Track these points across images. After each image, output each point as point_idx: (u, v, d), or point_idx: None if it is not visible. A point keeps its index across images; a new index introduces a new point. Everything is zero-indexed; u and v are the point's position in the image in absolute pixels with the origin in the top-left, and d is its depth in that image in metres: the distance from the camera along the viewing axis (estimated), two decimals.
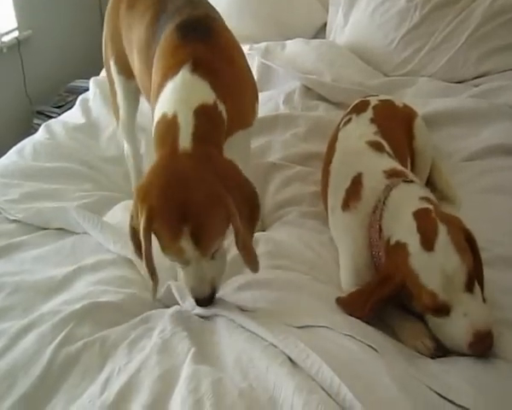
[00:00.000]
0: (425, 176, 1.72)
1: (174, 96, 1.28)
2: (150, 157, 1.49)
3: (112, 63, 1.81)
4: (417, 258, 1.22)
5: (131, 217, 1.26)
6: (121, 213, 1.75)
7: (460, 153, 1.85)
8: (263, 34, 2.63)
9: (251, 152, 1.68)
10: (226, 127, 1.32)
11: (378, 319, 1.29)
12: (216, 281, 1.29)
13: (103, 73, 2.33)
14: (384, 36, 2.36)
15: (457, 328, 1.19)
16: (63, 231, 1.70)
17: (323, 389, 1.03)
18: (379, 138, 1.56)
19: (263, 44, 2.53)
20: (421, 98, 2.05)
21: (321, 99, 2.20)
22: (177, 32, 1.39)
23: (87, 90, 2.47)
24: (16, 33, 3.22)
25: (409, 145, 1.69)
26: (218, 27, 1.46)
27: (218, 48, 1.39)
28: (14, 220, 1.72)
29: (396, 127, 1.66)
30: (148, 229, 1.19)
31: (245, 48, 2.46)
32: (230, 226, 1.23)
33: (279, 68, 2.33)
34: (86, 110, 2.31)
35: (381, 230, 1.33)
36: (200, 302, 1.28)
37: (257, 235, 1.60)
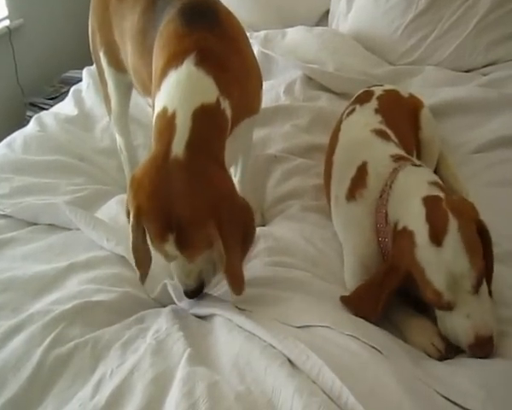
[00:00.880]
0: (432, 169, 1.70)
1: (176, 90, 1.27)
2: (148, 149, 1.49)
3: (101, 54, 1.78)
4: (424, 251, 1.19)
5: (127, 200, 1.27)
6: (116, 208, 1.74)
7: (468, 145, 1.83)
8: (263, 22, 2.61)
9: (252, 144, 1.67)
10: (232, 118, 1.31)
11: (383, 317, 1.27)
12: (204, 274, 1.30)
13: None
14: (389, 23, 2.33)
15: (459, 326, 1.18)
16: (54, 227, 1.68)
17: (324, 392, 1.01)
18: (384, 127, 1.54)
19: (262, 33, 2.51)
20: (428, 88, 2.03)
21: (323, 89, 2.17)
22: (180, 17, 1.36)
23: (82, 80, 2.45)
24: (7, 22, 3.20)
25: (415, 137, 1.68)
26: (222, 11, 1.43)
27: (225, 36, 1.37)
28: (4, 215, 1.70)
29: (402, 118, 1.65)
30: (137, 225, 1.23)
31: None
32: None
33: (279, 58, 2.31)
34: (79, 101, 2.29)
35: (387, 215, 1.31)
36: (188, 294, 1.31)
37: (257, 230, 1.57)
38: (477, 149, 1.80)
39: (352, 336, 1.16)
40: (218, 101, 1.26)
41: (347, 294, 1.37)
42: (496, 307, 1.24)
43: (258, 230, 1.59)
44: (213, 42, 1.32)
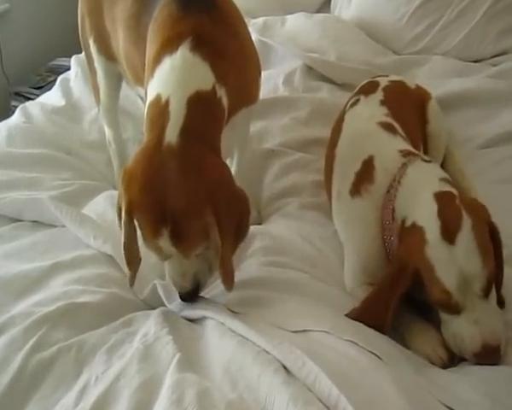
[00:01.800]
0: (438, 163, 1.69)
1: (170, 77, 1.26)
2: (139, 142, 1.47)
3: (91, 42, 1.77)
4: (435, 249, 1.18)
5: (118, 196, 1.26)
6: (103, 205, 1.73)
7: (476, 139, 1.82)
8: (262, 8, 2.60)
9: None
10: (229, 107, 1.30)
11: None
12: (200, 275, 1.29)
13: None
14: (394, 10, 2.32)
15: (466, 332, 1.17)
16: (39, 224, 1.67)
17: (321, 401, 1.00)
18: (390, 120, 1.53)
19: (261, 19, 2.49)
20: (435, 79, 2.02)
21: (324, 80, 2.16)
22: (176, 1, 1.35)
23: (70, 69, 2.43)
24: None
25: (422, 130, 1.67)
26: None
27: (222, 20, 1.36)
28: None
29: (408, 110, 1.64)
30: (129, 221, 1.22)
31: None
32: None
33: (278, 46, 2.30)
34: (67, 91, 2.28)
35: (394, 211, 1.30)
36: (183, 297, 1.30)
37: (252, 229, 1.57)
38: (485, 143, 1.79)
39: (350, 341, 1.16)
40: (213, 88, 1.26)
41: (348, 297, 1.37)
42: (505, 311, 1.24)
43: (254, 228, 1.59)
44: (210, 27, 1.31)
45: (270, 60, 2.29)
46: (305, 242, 1.54)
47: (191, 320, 1.31)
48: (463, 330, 1.17)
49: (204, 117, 1.24)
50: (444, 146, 1.72)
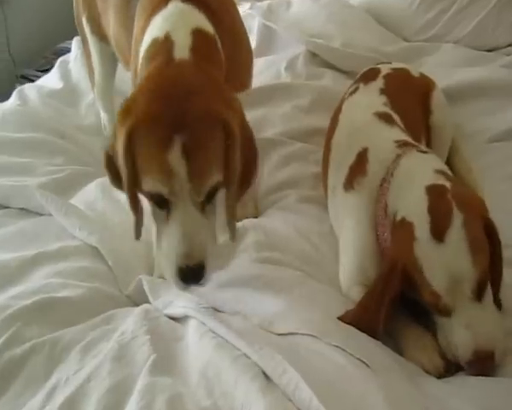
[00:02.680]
0: (443, 158, 1.59)
1: (165, 22, 1.19)
2: None
3: (84, 21, 1.70)
4: (423, 246, 1.10)
5: (110, 145, 1.15)
6: (95, 193, 1.67)
7: (486, 132, 1.71)
8: None
9: None
10: None
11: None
12: (206, 249, 1.10)
13: None
14: None
15: (457, 337, 1.09)
16: (27, 212, 1.61)
17: None
18: (389, 110, 1.44)
19: (265, 3, 2.40)
20: (445, 68, 1.91)
21: (328, 66, 2.06)
22: None
23: None
24: None
25: (425, 121, 1.57)
26: None
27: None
28: None
29: (410, 100, 1.54)
30: (129, 146, 1.07)
31: (245, 6, 2.35)
32: None
33: (282, 31, 2.20)
34: (65, 74, 2.22)
35: (387, 205, 1.22)
36: (187, 275, 1.09)
37: (247, 222, 1.51)
38: (495, 137, 1.69)
39: (338, 347, 1.08)
40: (214, 35, 1.21)
41: (342, 298, 1.29)
42: (504, 317, 1.15)
43: (248, 222, 1.52)
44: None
45: (273, 45, 2.21)
46: (301, 237, 1.46)
47: (175, 319, 1.24)
48: (455, 334, 1.10)
49: (211, 49, 1.19)
50: (449, 139, 1.62)
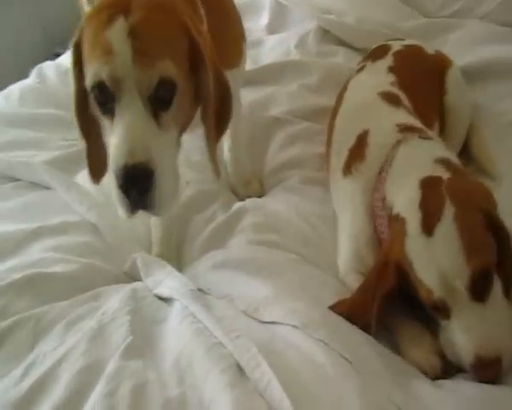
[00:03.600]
0: (458, 142, 1.49)
1: None
2: None
3: None
4: (414, 241, 1.03)
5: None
6: None
7: (508, 115, 1.57)
8: None
9: (243, 105, 1.52)
10: None
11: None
12: (152, 151, 0.95)
13: None
14: None
15: (458, 340, 1.00)
16: (35, 185, 1.60)
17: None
18: (396, 90, 1.34)
19: None
20: (468, 45, 1.74)
21: (341, 44, 1.96)
22: None
23: None
24: None
25: (439, 102, 1.46)
26: None
27: None
28: None
29: (422, 79, 1.43)
30: (78, 46, 1.01)
31: None
32: None
33: (294, 7, 2.10)
34: None
35: (385, 197, 1.15)
36: (126, 178, 0.93)
37: (246, 203, 1.46)
38: None
39: (321, 341, 1.02)
40: None
41: (338, 285, 1.23)
42: None
43: (249, 202, 1.47)
44: None
45: (285, 22, 2.12)
46: (302, 219, 1.40)
47: (163, 300, 1.20)
48: (455, 337, 1.01)
49: None
50: (466, 121, 1.50)
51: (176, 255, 1.39)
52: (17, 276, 1.23)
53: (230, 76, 1.25)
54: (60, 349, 1.06)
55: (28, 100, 1.92)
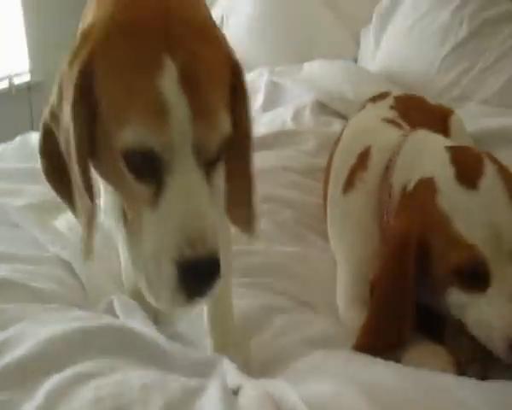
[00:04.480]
0: None
1: None
2: None
3: None
4: (450, 194, 0.93)
5: (50, 111, 0.81)
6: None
7: None
8: (279, 59, 2.43)
9: None
10: None
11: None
12: (217, 234, 0.74)
13: None
14: (423, 56, 2.12)
15: (495, 311, 0.87)
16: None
17: None
18: (400, 121, 1.31)
19: (277, 68, 2.33)
20: (470, 118, 1.70)
21: (338, 116, 1.95)
22: None
23: None
24: (28, 77, 3.20)
25: None
26: None
27: None
28: None
29: (425, 120, 1.40)
30: (85, 81, 0.73)
31: (256, 71, 2.26)
32: None
33: (291, 85, 2.13)
34: None
35: (391, 186, 1.06)
36: (197, 271, 0.72)
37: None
38: None
39: None
40: None
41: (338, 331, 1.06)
42: None
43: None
44: None
45: (281, 100, 2.13)
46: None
47: None
48: (492, 309, 0.87)
49: None
50: None
51: None
52: None
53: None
54: None
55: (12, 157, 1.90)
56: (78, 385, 0.77)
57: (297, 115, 1.96)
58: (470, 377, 0.87)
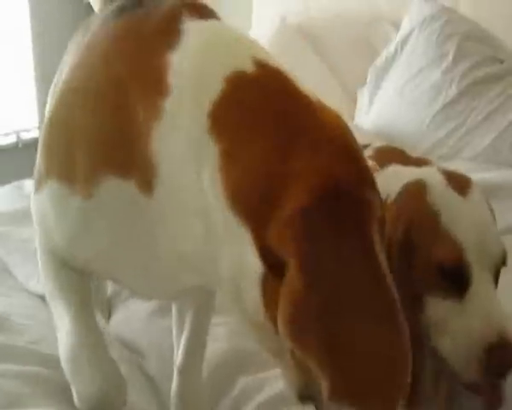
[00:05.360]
0: None
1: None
2: None
3: None
4: (440, 192, 0.92)
5: None
6: None
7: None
8: None
9: None
10: None
11: None
12: None
13: None
14: (415, 114, 2.22)
15: (472, 318, 0.86)
16: None
17: None
18: (377, 169, 1.28)
19: None
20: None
21: None
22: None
23: None
24: (36, 133, 3.28)
25: None
26: None
27: None
28: None
29: None
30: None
31: None
32: None
33: None
34: None
35: None
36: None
37: None
38: (506, 229, 1.49)
39: None
40: None
41: None
42: None
43: None
44: None
45: None
46: None
47: None
48: (469, 315, 0.86)
49: None
50: None
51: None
52: None
53: None
54: None
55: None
56: None
57: None
58: None
